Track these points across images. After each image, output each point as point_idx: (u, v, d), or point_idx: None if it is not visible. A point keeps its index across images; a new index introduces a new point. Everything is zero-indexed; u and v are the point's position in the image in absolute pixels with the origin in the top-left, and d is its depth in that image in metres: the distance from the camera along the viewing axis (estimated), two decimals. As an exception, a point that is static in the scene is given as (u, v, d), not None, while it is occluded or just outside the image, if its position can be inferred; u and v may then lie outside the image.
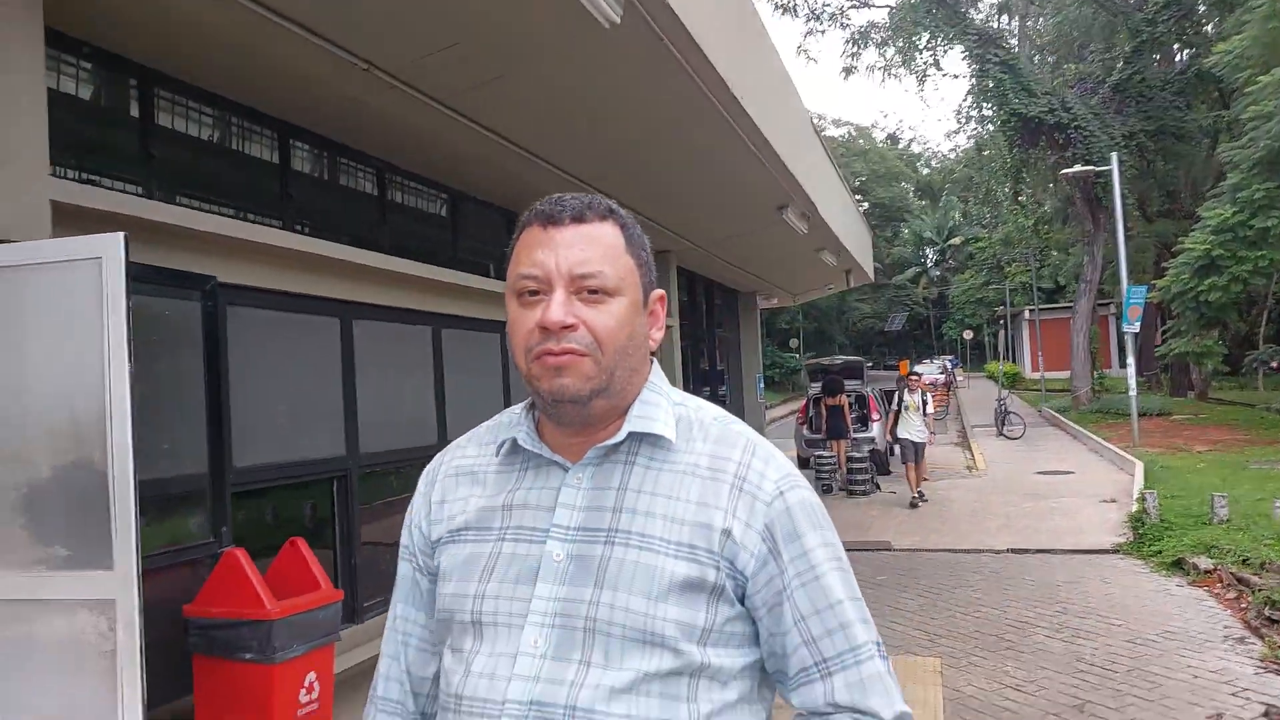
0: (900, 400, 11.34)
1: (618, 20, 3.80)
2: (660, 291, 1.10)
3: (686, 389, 11.25)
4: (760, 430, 14.47)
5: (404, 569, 1.18)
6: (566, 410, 1.01)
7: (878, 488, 12.25)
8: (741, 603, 1.02)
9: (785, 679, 1.05)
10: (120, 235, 2.57)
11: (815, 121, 10.08)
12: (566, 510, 1.02)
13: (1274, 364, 29.99)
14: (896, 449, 11.89)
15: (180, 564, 3.63)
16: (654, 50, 4.48)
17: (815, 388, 14.43)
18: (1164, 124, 20.70)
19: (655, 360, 1.12)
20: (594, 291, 0.99)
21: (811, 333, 50.16)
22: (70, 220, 3.02)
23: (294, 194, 4.90)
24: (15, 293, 2.64)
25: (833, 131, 61.05)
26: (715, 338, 13.59)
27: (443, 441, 5.58)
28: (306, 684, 3.39)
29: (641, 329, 1.05)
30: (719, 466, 1.03)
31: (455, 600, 1.05)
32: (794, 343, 45.39)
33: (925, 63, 25.67)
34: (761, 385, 15.08)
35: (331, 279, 4.55)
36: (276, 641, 3.25)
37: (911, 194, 65.32)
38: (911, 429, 11.10)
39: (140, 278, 2.67)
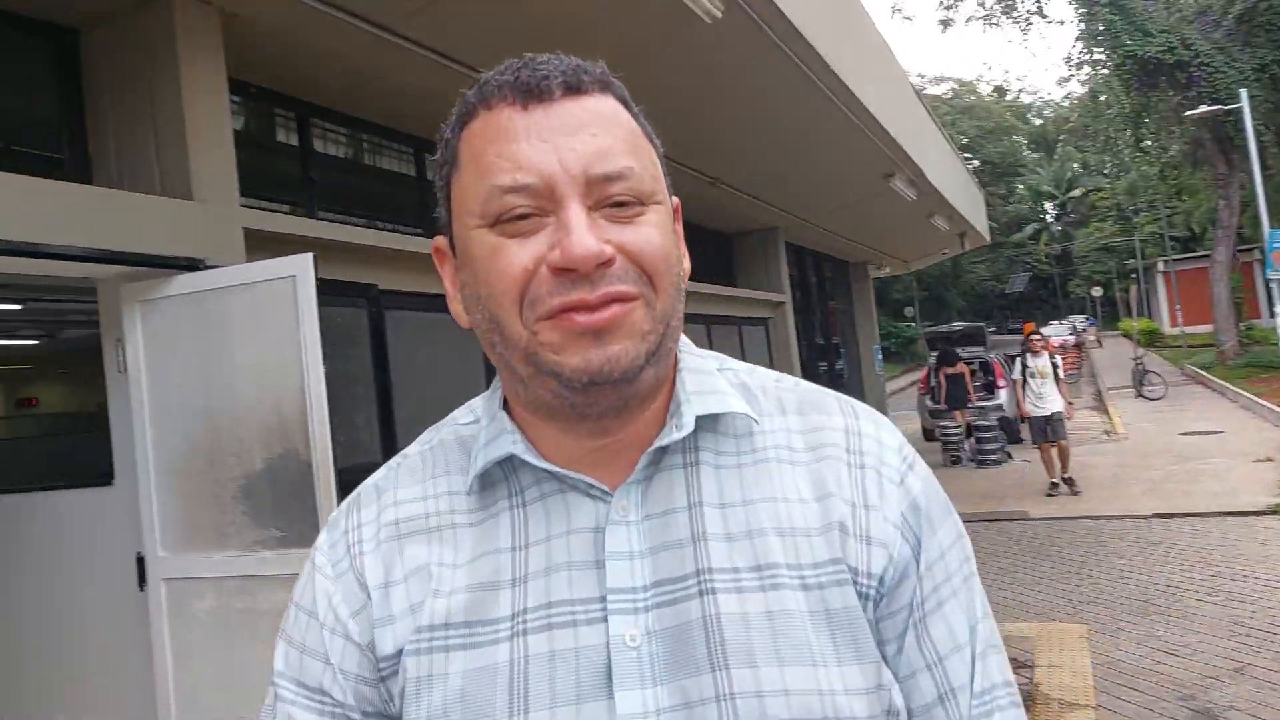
0: (1024, 368, 9.54)
1: (719, 15, 3.99)
2: (678, 200, 0.73)
3: (803, 365, 11.13)
4: (881, 405, 14.42)
5: (283, 717, 0.69)
6: (603, 395, 0.63)
7: (1009, 457, 11.88)
8: None
9: None
10: (310, 255, 2.96)
11: (915, 81, 9.94)
12: (623, 562, 0.65)
13: None
14: (1024, 427, 10.17)
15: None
16: (755, 39, 4.64)
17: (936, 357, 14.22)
18: (1299, 51, 19.18)
19: None
20: (623, 203, 0.63)
21: (927, 300, 48.84)
22: (255, 243, 3.46)
23: (428, 205, 5.33)
24: (226, 310, 3.08)
25: (934, 89, 58.99)
26: (828, 311, 13.56)
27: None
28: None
29: (678, 253, 0.70)
30: (821, 440, 0.71)
31: None
32: (909, 311, 44.32)
33: (1028, 10, 24.54)
34: (880, 357, 14.95)
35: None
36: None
37: (1024, 147, 62.41)
38: (1040, 400, 9.28)
39: (319, 289, 3.06)
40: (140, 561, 3.19)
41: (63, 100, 3.40)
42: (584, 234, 0.60)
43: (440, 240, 0.72)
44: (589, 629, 0.64)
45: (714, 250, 9.90)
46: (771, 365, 10.24)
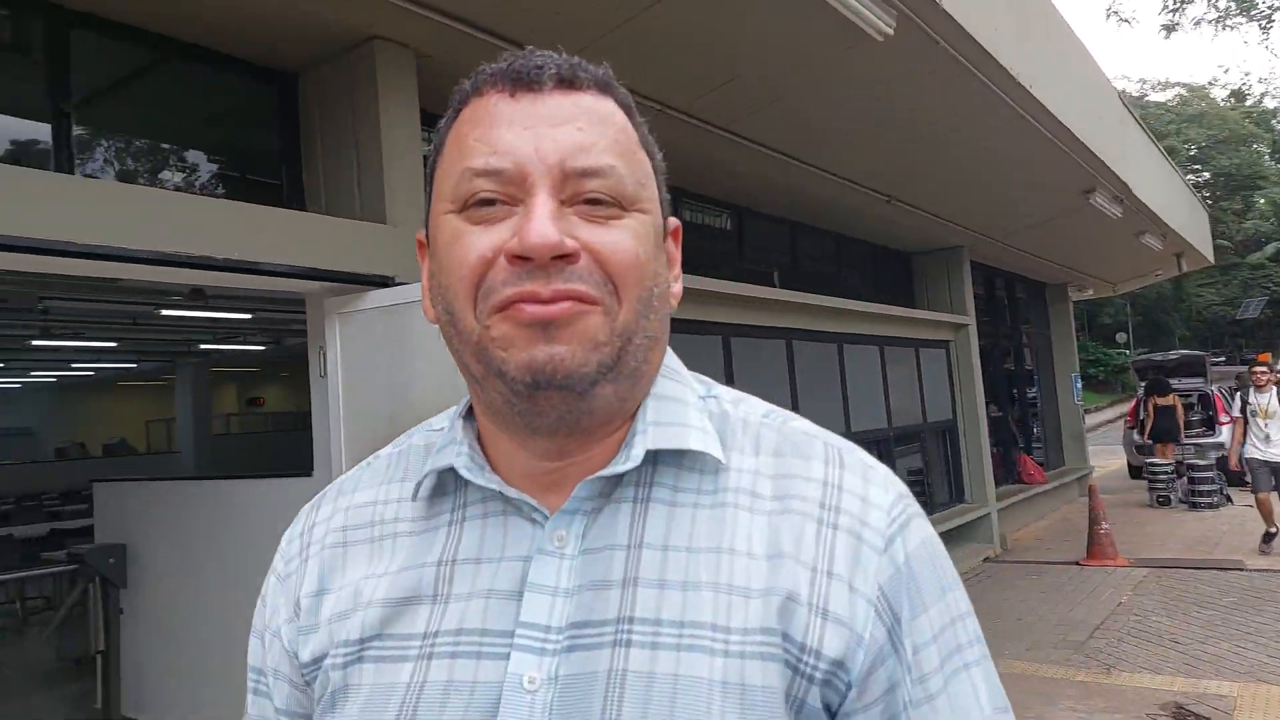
0: (1244, 404, 8.41)
1: (890, 32, 3.93)
2: (677, 222, 0.70)
3: (988, 393, 10.60)
4: (1079, 437, 13.40)
5: (257, 709, 0.72)
6: (552, 404, 0.59)
7: (1229, 500, 10.70)
8: None
9: None
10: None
11: (1136, 88, 9.19)
12: (544, 597, 0.60)
13: None
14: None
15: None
16: (930, 53, 4.52)
17: (1144, 387, 13.08)
18: None
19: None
20: (599, 201, 0.60)
21: (1142, 325, 44.73)
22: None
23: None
24: (409, 322, 3.39)
25: (1158, 96, 54.08)
26: (1021, 335, 12.77)
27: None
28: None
29: (664, 272, 0.66)
30: (791, 490, 0.63)
31: None
32: (1121, 337, 40.74)
33: (1271, 6, 22.03)
34: (1078, 385, 13.88)
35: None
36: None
37: (1266, 157, 55.83)
38: (1265, 443, 8.18)
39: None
40: (329, 546, 3.55)
41: (283, 135, 3.88)
42: (544, 221, 0.57)
43: (422, 233, 0.70)
44: (491, 664, 0.59)
45: (891, 270, 9.62)
46: (952, 391, 9.86)
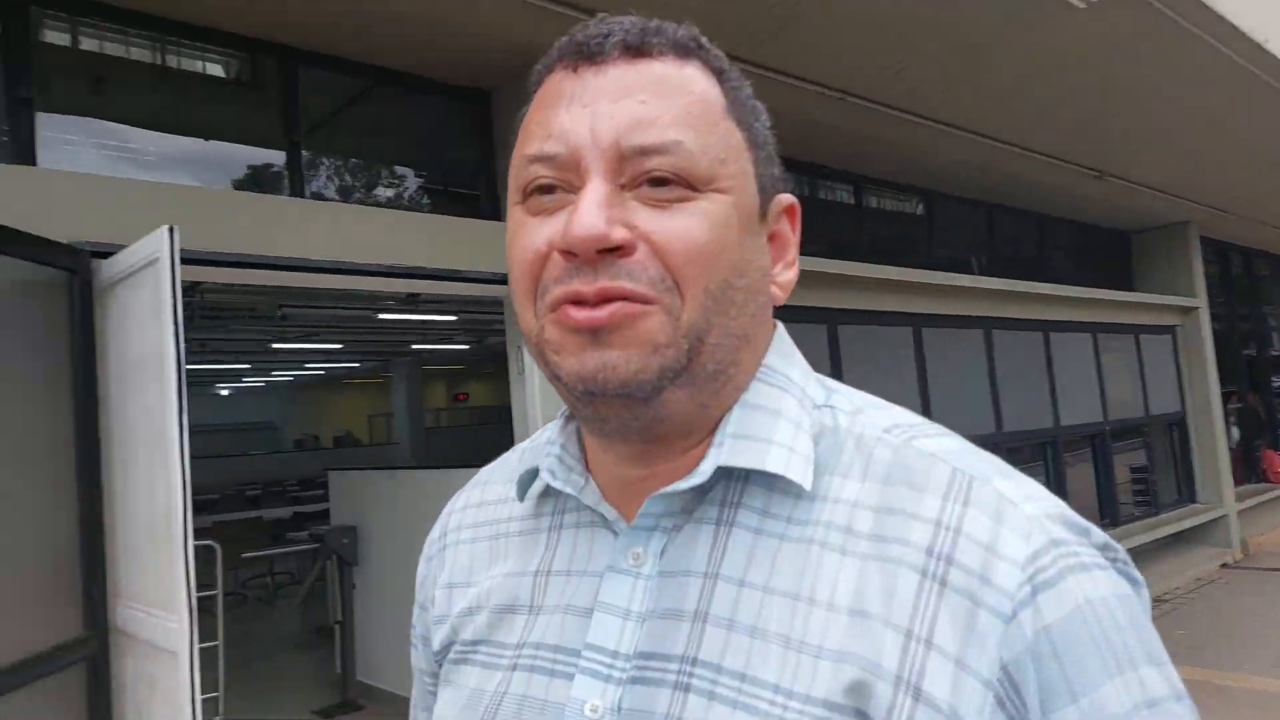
0: None
1: (1094, -3, 3.65)
2: (790, 199, 0.61)
3: (1226, 383, 9.56)
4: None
5: (415, 660, 0.76)
6: (613, 410, 0.54)
7: None
8: None
9: None
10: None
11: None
12: (614, 619, 0.56)
13: None
14: None
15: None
16: (1139, 14, 4.14)
17: None
18: None
19: (780, 325, 0.63)
20: (663, 182, 0.52)
21: None
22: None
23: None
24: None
25: None
26: (1264, 317, 11.36)
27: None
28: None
29: (758, 259, 0.57)
30: (891, 531, 0.52)
31: None
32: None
33: None
34: (1338, 372, 12.16)
35: (822, 290, 5.06)
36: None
37: None
38: None
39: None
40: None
41: (479, 148, 4.16)
42: (590, 210, 0.51)
43: None
44: (561, 683, 0.56)
45: (1105, 250, 8.86)
46: (1180, 381, 8.95)
